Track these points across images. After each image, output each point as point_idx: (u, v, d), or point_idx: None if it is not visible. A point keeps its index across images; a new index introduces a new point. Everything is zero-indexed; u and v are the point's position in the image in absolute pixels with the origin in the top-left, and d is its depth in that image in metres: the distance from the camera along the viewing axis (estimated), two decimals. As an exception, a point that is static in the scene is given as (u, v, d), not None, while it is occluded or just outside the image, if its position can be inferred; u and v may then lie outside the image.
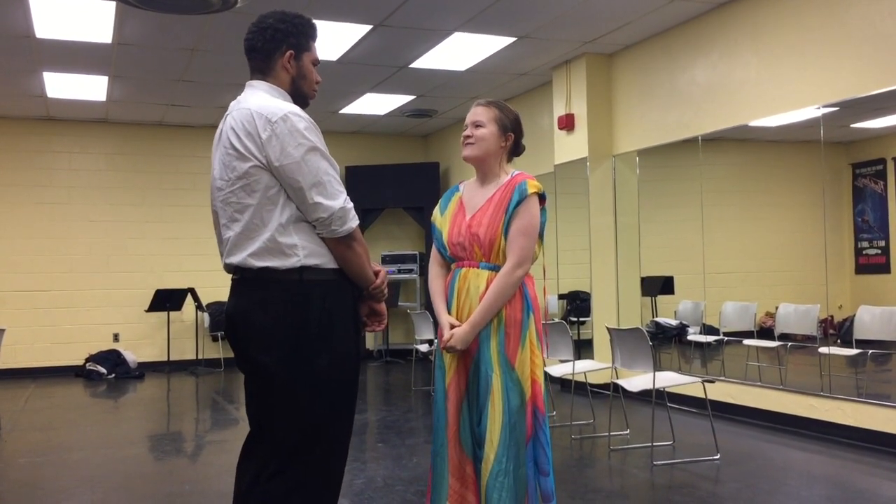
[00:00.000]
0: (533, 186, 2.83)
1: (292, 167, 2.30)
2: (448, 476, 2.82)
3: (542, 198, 2.87)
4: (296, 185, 2.31)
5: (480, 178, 2.97)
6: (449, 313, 2.88)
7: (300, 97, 2.54)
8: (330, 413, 2.41)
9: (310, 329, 2.36)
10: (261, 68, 2.51)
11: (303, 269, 2.36)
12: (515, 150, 2.99)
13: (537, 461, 2.77)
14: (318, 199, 2.30)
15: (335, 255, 2.40)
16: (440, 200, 3.06)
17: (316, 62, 2.57)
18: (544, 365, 2.86)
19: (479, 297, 2.79)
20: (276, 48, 2.49)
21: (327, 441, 2.42)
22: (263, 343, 2.39)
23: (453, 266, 2.94)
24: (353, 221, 2.36)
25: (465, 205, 2.95)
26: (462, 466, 2.81)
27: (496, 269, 2.81)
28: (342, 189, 2.37)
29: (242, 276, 2.44)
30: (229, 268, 2.47)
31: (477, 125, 2.91)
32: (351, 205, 2.36)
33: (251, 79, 2.54)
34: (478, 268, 2.83)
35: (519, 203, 2.80)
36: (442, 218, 2.99)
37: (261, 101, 2.41)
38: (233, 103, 2.50)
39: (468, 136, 2.92)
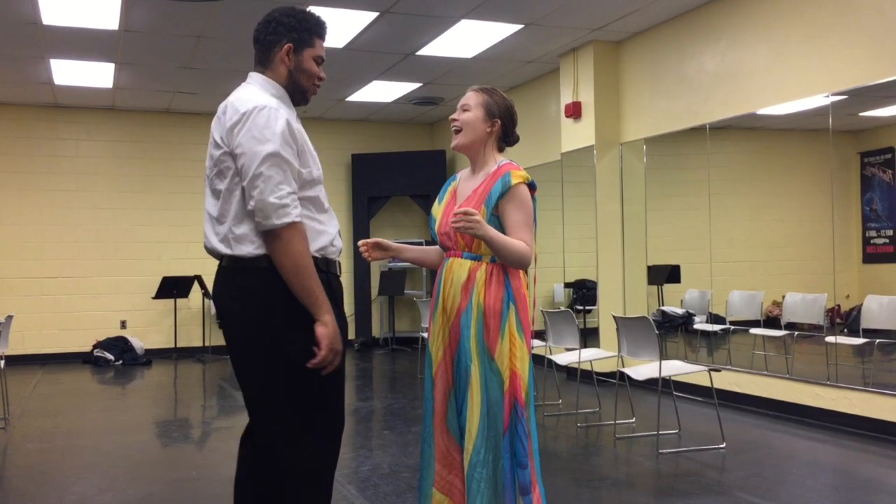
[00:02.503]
0: (517, 177, 2.78)
1: (243, 157, 2.34)
2: (434, 463, 2.81)
3: (531, 186, 2.84)
4: (244, 174, 2.34)
5: (472, 166, 2.96)
6: (437, 304, 2.86)
7: (298, 92, 2.57)
8: (309, 404, 2.41)
9: (278, 317, 2.37)
10: (260, 59, 2.56)
11: (269, 257, 2.38)
12: (506, 139, 2.95)
13: (515, 453, 2.73)
14: (255, 191, 2.32)
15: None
16: (441, 190, 3.06)
17: (319, 60, 2.59)
18: (530, 358, 2.81)
19: (461, 286, 2.77)
20: (277, 41, 2.52)
21: (312, 433, 2.41)
22: (236, 332, 2.44)
23: (444, 255, 2.93)
24: (279, 219, 2.31)
25: (457, 194, 2.95)
26: (449, 453, 2.80)
27: (479, 258, 2.79)
28: (284, 186, 2.33)
29: (220, 264, 2.49)
30: (207, 250, 2.53)
31: (464, 109, 2.90)
32: (285, 202, 2.31)
33: (253, 69, 2.59)
34: (461, 257, 2.82)
35: (503, 194, 2.76)
36: (438, 207, 3.00)
37: (244, 93, 2.46)
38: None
39: (454, 120, 2.91)
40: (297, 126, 2.48)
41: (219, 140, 2.42)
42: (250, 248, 2.38)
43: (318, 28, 2.58)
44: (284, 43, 2.52)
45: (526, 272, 2.88)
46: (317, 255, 2.45)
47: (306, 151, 2.46)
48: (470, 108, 2.89)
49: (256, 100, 2.40)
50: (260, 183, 2.31)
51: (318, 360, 2.35)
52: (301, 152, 2.43)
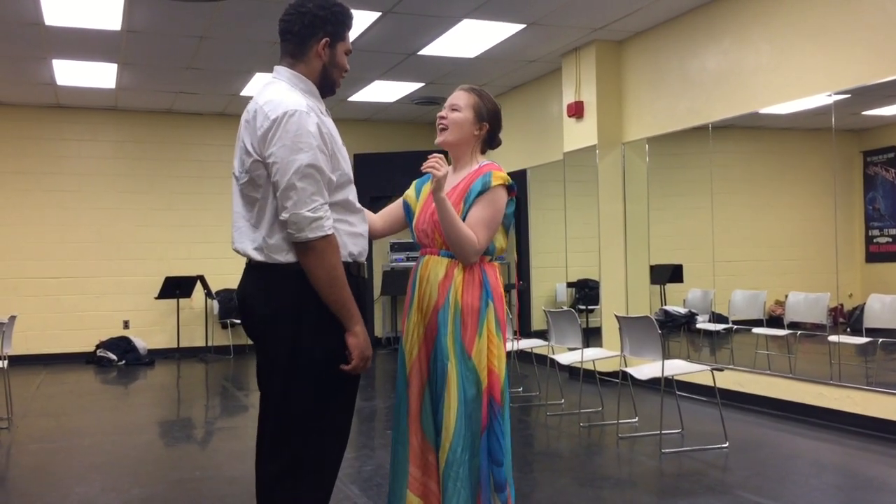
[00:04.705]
0: (498, 178, 2.79)
1: (276, 166, 2.31)
2: (409, 464, 2.79)
3: (510, 189, 2.83)
4: (277, 184, 2.32)
5: (453, 165, 2.95)
6: (411, 302, 2.85)
7: (328, 85, 2.54)
8: (322, 404, 2.42)
9: (309, 320, 2.37)
10: (293, 52, 2.50)
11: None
12: (491, 142, 2.95)
13: (491, 451, 2.73)
14: (288, 202, 2.30)
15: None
16: (416, 181, 3.02)
17: (349, 52, 2.57)
18: (506, 354, 2.82)
19: (438, 284, 2.76)
20: (313, 34, 2.47)
21: (319, 431, 2.43)
22: (263, 331, 2.45)
23: (419, 253, 2.91)
24: (313, 232, 2.30)
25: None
26: (424, 455, 2.78)
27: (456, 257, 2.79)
28: (318, 197, 2.32)
29: (249, 263, 2.48)
30: (236, 251, 2.52)
31: (453, 108, 2.88)
32: (319, 215, 2.31)
33: (280, 62, 2.53)
34: (438, 255, 2.81)
35: (481, 193, 2.77)
36: (416, 201, 2.97)
37: (273, 94, 2.40)
38: (256, 92, 2.51)
39: (443, 118, 2.89)
40: (328, 123, 2.45)
41: (250, 148, 2.38)
42: (284, 256, 2.38)
43: (350, 21, 2.56)
44: (321, 37, 2.47)
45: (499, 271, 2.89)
46: (349, 259, 2.46)
47: (336, 153, 2.43)
48: (460, 108, 2.87)
49: (286, 102, 2.35)
50: (293, 195, 2.29)
51: (350, 367, 2.38)
52: (332, 155, 2.40)
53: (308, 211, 2.30)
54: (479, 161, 2.90)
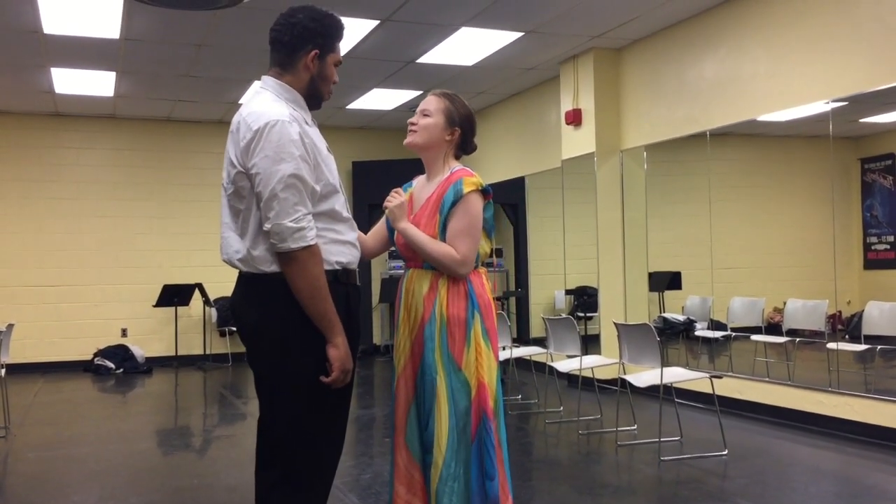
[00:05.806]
0: (470, 184, 2.75)
1: (259, 177, 2.31)
2: (394, 482, 2.77)
3: (484, 193, 2.80)
4: (260, 194, 2.32)
5: (427, 173, 2.93)
6: (398, 315, 2.83)
7: (315, 97, 2.54)
8: (313, 413, 2.42)
9: (295, 328, 2.36)
10: (281, 62, 2.50)
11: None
12: (465, 147, 2.92)
13: (482, 464, 2.69)
14: (270, 213, 2.30)
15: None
16: None
17: (339, 63, 2.57)
18: (498, 364, 2.78)
19: (423, 298, 2.74)
20: (302, 46, 2.47)
21: (311, 440, 2.43)
22: (252, 339, 2.46)
23: (405, 266, 2.90)
24: (295, 243, 2.30)
25: (413, 202, 2.91)
26: (409, 472, 2.75)
27: None
28: (300, 207, 2.31)
29: (239, 272, 2.49)
30: (225, 262, 2.52)
31: (424, 114, 2.86)
32: (301, 225, 2.30)
33: (268, 71, 2.53)
34: (422, 268, 2.79)
35: (455, 203, 2.73)
36: None
37: (256, 106, 2.41)
38: (243, 103, 2.52)
39: (412, 124, 2.87)
40: (311, 132, 2.45)
41: (234, 159, 2.38)
42: (269, 266, 2.38)
43: (340, 32, 2.56)
44: (311, 49, 2.48)
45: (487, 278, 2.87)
46: (337, 267, 2.45)
47: (321, 163, 2.43)
48: (431, 113, 2.85)
49: (268, 113, 2.35)
50: (276, 205, 2.29)
51: (329, 380, 2.38)
52: (315, 165, 2.39)
53: (290, 221, 2.29)
54: (452, 167, 2.86)
